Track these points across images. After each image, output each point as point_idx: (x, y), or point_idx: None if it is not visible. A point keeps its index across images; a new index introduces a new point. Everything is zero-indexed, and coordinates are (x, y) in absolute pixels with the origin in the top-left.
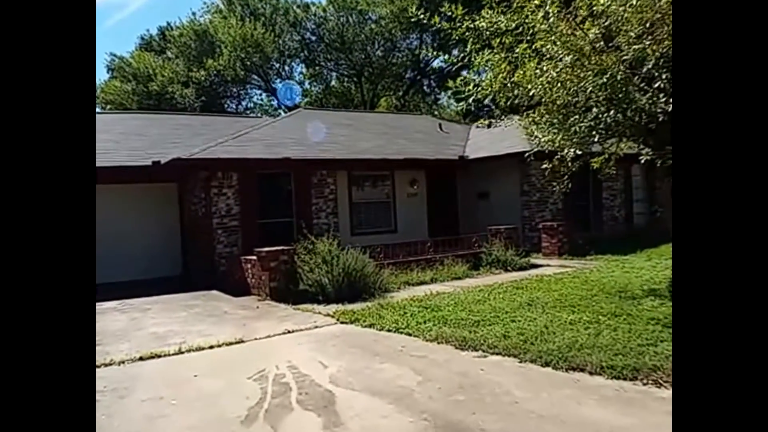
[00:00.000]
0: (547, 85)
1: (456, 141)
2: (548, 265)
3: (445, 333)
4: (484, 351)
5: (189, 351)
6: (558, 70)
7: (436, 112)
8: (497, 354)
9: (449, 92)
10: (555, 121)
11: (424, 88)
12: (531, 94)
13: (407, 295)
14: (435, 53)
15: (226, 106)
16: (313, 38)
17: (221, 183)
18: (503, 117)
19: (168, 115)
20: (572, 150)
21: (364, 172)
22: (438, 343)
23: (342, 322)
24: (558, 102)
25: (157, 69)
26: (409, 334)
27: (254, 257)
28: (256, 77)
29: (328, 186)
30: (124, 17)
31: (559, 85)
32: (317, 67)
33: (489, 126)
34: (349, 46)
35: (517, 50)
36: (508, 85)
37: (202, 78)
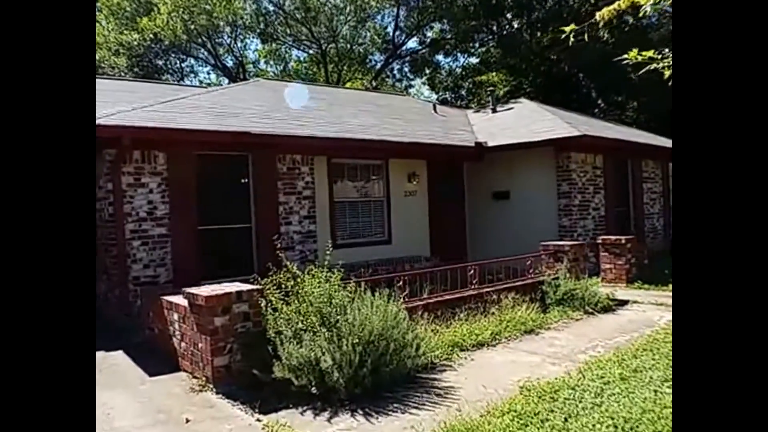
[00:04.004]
0: None
1: (459, 126)
2: (636, 302)
3: None
4: None
5: None
6: None
7: None
8: None
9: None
10: None
11: (395, 73)
12: None
13: (480, 385)
14: None
15: (166, 81)
16: (272, 8)
17: (139, 168)
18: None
19: None
20: None
21: (349, 160)
22: None
23: None
24: None
25: None
26: None
27: (184, 303)
28: (203, 51)
29: (303, 177)
30: None
31: None
32: (275, 44)
33: (494, 110)
34: (314, 17)
35: None
36: None
37: (135, 43)
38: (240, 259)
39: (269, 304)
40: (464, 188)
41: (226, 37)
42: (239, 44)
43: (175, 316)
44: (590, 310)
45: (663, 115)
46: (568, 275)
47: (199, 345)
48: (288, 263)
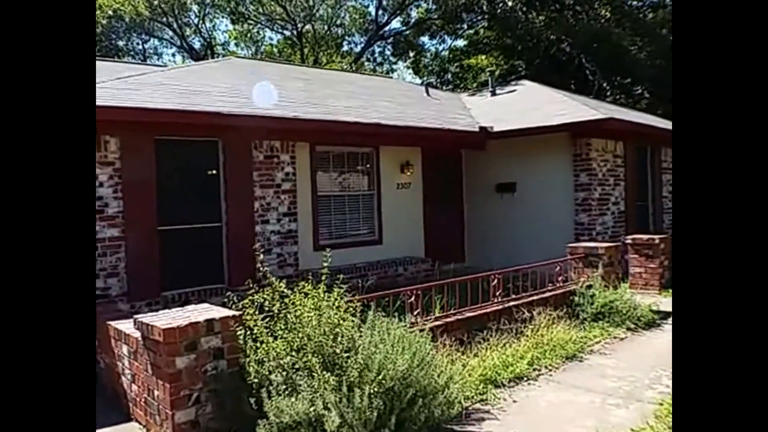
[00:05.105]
0: None
1: (456, 110)
2: None
3: None
4: None
5: None
6: None
7: None
8: None
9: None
10: None
11: (376, 56)
12: None
13: None
14: None
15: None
16: None
17: None
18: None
19: None
20: None
21: (335, 148)
22: None
23: None
24: None
25: None
26: None
27: (136, 334)
28: (168, 31)
29: (282, 167)
30: None
31: None
32: (246, 24)
33: (493, 93)
34: None
35: None
36: None
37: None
38: (208, 265)
39: (249, 333)
40: (462, 179)
41: (193, 16)
42: (208, 24)
43: (125, 350)
44: (632, 326)
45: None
46: (601, 283)
47: (156, 392)
48: (273, 277)
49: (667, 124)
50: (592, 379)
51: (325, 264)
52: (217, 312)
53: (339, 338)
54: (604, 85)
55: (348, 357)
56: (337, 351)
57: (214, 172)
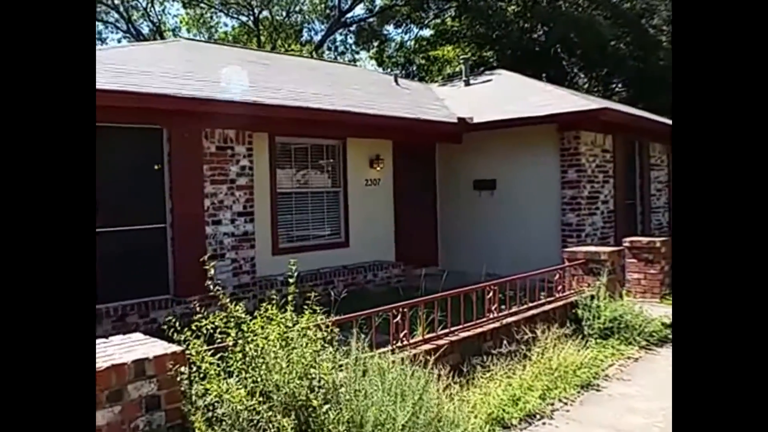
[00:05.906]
0: None
1: (429, 100)
2: None
3: None
4: None
5: None
6: None
7: None
8: None
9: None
10: None
11: (338, 44)
12: None
13: None
14: None
15: None
16: None
17: None
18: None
19: None
20: None
21: (297, 139)
22: None
23: None
24: None
25: None
26: None
27: None
28: (113, 14)
29: (237, 160)
30: None
31: None
32: (199, 8)
33: (467, 83)
34: None
35: None
36: None
37: None
38: (151, 273)
39: (197, 371)
40: (436, 176)
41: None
42: (157, 7)
43: None
44: (644, 343)
45: (651, 92)
46: (605, 293)
47: None
48: (226, 297)
49: (656, 118)
50: (618, 415)
51: (291, 279)
52: (151, 347)
53: (316, 385)
54: (581, 76)
55: (329, 409)
56: (315, 404)
57: (158, 166)
